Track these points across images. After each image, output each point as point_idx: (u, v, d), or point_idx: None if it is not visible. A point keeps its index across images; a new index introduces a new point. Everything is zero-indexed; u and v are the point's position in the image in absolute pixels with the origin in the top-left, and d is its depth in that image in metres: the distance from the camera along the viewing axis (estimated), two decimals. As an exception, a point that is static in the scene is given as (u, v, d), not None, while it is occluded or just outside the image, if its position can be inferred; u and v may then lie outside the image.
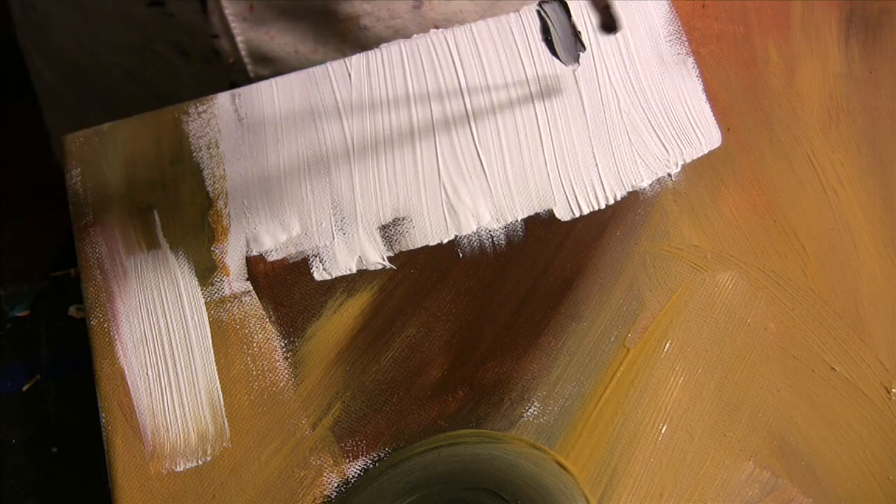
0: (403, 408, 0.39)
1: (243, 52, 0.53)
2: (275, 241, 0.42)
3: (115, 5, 0.53)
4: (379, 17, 0.54)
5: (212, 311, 0.41)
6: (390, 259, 0.41)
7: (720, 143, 0.43)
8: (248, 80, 0.55)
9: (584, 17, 0.45)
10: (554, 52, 0.45)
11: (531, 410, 0.39)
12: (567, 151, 0.43)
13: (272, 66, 0.55)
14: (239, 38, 0.53)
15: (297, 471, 0.38)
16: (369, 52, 0.44)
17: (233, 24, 0.52)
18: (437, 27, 0.48)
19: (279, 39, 0.54)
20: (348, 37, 0.54)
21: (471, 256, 0.41)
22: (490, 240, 0.42)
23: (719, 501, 0.37)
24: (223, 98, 0.44)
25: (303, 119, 0.43)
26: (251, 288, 0.41)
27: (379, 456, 0.38)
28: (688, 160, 0.43)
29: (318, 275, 0.41)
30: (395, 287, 0.41)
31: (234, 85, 0.55)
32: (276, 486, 0.38)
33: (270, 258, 0.42)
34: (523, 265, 0.41)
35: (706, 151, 0.43)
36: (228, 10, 0.51)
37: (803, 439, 0.38)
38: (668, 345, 0.39)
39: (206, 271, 0.41)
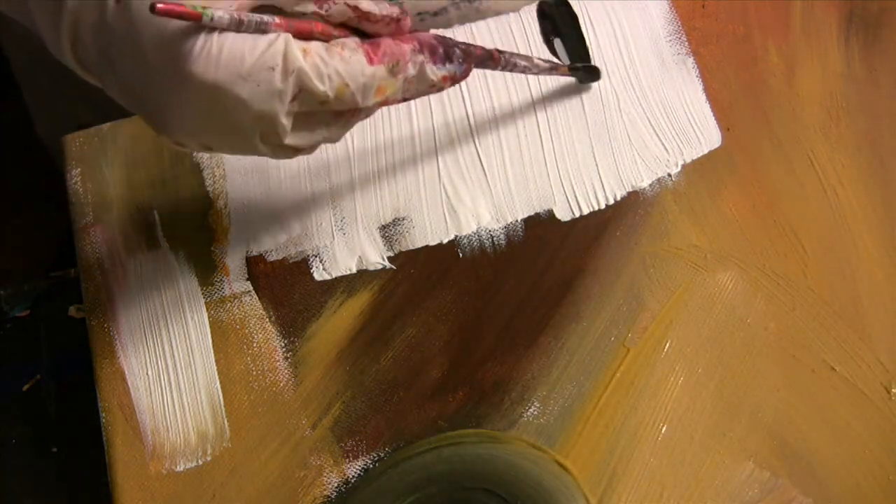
0: (403, 408, 0.39)
1: None
2: (275, 241, 0.42)
3: None
4: None
5: (212, 311, 0.41)
6: (390, 259, 0.41)
7: (720, 143, 0.43)
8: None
9: (584, 18, 0.45)
10: (554, 52, 0.45)
11: (531, 410, 0.38)
12: (567, 151, 0.43)
13: None
14: None
15: (297, 471, 0.38)
16: (369, 52, 0.44)
17: None
18: None
19: None
20: None
21: (471, 256, 0.41)
22: (490, 240, 0.42)
23: (719, 501, 0.37)
24: (223, 98, 0.44)
25: (303, 119, 0.43)
26: (251, 288, 0.41)
27: (379, 456, 0.38)
28: (688, 160, 0.43)
29: (318, 275, 0.41)
30: (395, 287, 0.41)
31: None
32: (276, 486, 0.38)
33: (270, 258, 0.42)
34: (523, 265, 0.41)
35: (706, 151, 0.43)
36: None
37: (803, 439, 0.38)
38: (668, 345, 0.39)
39: (206, 271, 0.41)
